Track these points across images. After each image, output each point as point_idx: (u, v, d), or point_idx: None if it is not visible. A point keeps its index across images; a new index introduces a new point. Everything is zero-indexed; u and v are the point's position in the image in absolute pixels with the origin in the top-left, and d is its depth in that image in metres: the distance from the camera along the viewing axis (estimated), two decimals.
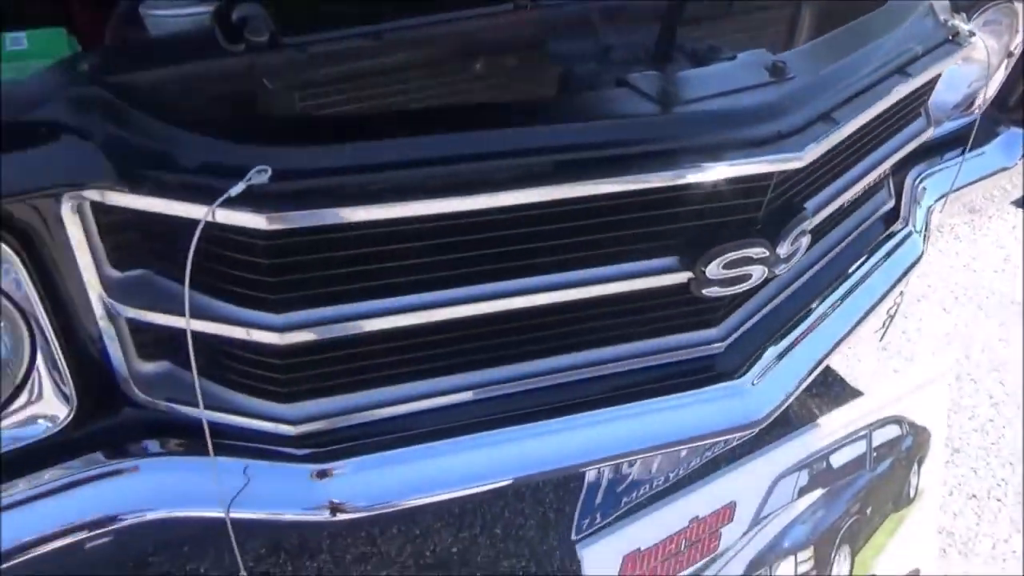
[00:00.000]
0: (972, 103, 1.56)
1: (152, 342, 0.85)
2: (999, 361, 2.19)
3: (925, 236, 1.39)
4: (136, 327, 0.82)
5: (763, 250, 0.90)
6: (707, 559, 0.90)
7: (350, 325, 0.79)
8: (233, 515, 0.83)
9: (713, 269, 0.89)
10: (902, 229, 1.34)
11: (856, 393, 1.74)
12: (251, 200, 0.68)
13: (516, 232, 0.80)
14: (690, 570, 0.89)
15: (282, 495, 0.85)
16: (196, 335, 0.80)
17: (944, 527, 1.75)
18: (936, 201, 1.49)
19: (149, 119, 0.71)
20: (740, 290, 0.93)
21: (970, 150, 1.57)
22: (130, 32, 0.87)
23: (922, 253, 1.35)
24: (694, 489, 0.88)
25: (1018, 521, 1.77)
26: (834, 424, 0.98)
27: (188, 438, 0.87)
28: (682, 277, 0.90)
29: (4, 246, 0.67)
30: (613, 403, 0.97)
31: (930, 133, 1.27)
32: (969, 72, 1.52)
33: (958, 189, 1.53)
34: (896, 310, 1.59)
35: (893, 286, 1.28)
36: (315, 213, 0.69)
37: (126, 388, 0.85)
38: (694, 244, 0.88)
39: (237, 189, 0.67)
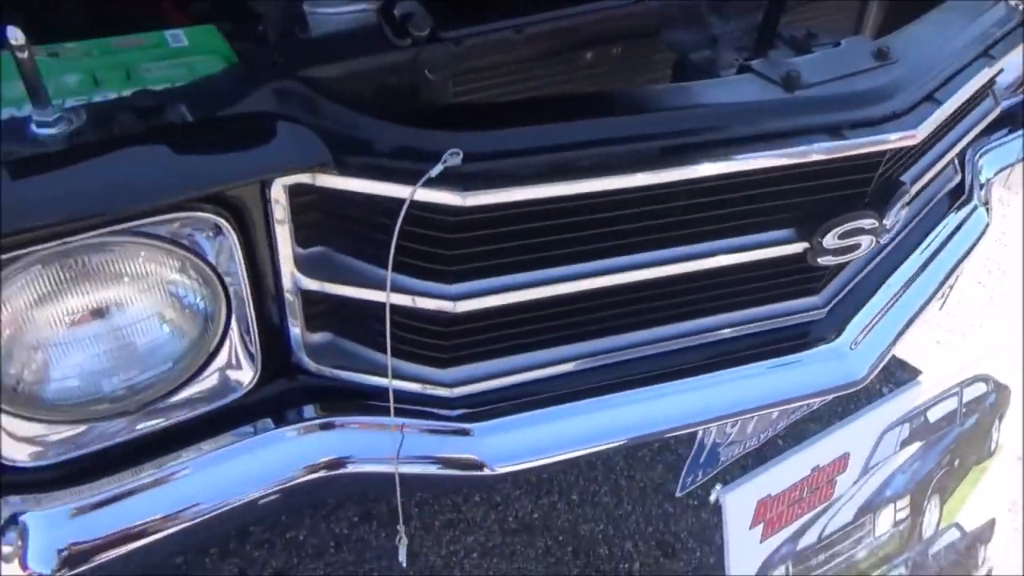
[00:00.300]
0: (1022, 84, 1.63)
1: (318, 314, 0.93)
2: None
3: (988, 209, 1.47)
4: (308, 300, 0.90)
5: (873, 221, 0.98)
6: (823, 505, 0.99)
7: (513, 295, 0.86)
8: (400, 470, 0.91)
9: (829, 240, 0.97)
10: (969, 202, 1.42)
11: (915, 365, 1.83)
12: (445, 180, 0.75)
13: (659, 208, 0.88)
14: (809, 515, 0.98)
15: (442, 452, 0.93)
16: (363, 305, 0.88)
17: None
18: (994, 175, 1.57)
19: (344, 109, 0.78)
20: (850, 259, 1.01)
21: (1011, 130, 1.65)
22: (289, 29, 0.95)
23: (987, 224, 1.43)
24: (815, 441, 0.97)
25: None
26: (931, 382, 1.07)
27: (350, 401, 0.96)
28: (799, 247, 0.98)
29: (224, 222, 0.75)
30: (728, 366, 1.05)
31: (997, 112, 1.34)
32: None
33: (1014, 164, 1.61)
34: (956, 280, 1.67)
35: (964, 256, 1.36)
36: (504, 191, 0.76)
37: (298, 356, 0.93)
38: (812, 216, 0.96)
39: (436, 170, 0.74)
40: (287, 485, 0.90)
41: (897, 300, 1.18)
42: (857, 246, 0.99)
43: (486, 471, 0.94)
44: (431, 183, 0.75)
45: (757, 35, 1.09)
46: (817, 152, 0.89)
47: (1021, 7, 1.25)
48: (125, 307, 0.76)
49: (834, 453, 0.97)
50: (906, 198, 1.04)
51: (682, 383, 1.03)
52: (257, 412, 0.92)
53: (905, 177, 1.08)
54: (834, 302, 1.12)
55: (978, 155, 1.54)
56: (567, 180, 0.79)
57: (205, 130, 0.73)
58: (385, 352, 0.94)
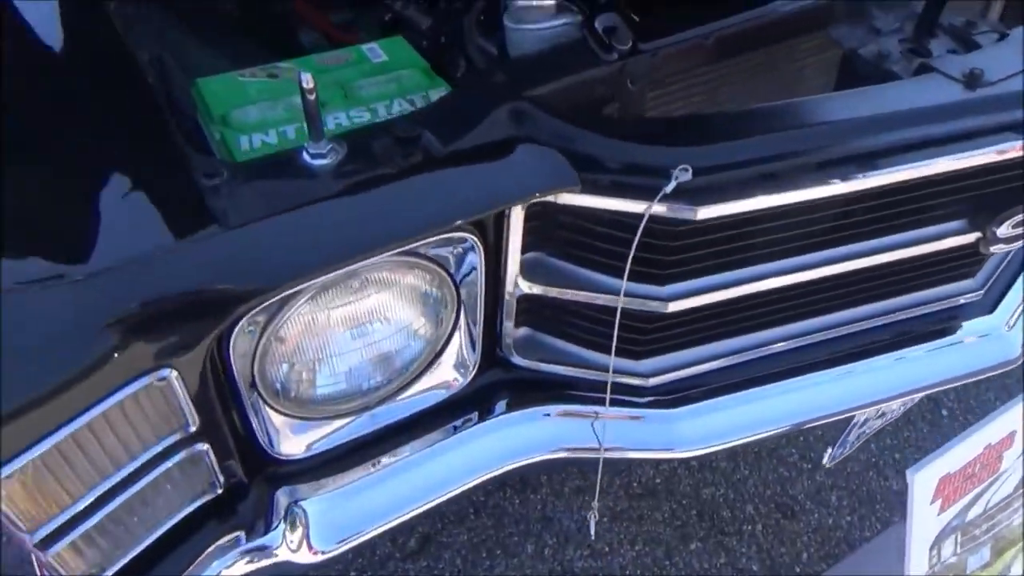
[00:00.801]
0: None
1: (520, 312, 1.00)
2: None
3: None
4: (518, 300, 0.97)
5: None
6: (991, 479, 1.05)
7: (718, 294, 0.93)
8: (605, 455, 1.00)
9: (1003, 229, 1.02)
10: None
11: None
12: (675, 194, 0.81)
13: (853, 208, 0.94)
14: (978, 489, 1.04)
15: (643, 437, 1.01)
16: (563, 302, 0.96)
17: None
18: None
19: (576, 128, 0.84)
20: (1017, 246, 1.06)
21: None
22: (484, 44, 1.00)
23: None
24: (989, 421, 1.03)
25: None
26: None
27: (549, 391, 1.04)
28: (972, 237, 1.03)
29: (475, 239, 0.82)
30: (891, 350, 1.11)
31: None
32: None
33: None
34: None
35: None
36: (731, 204, 0.83)
37: (505, 352, 1.01)
38: (988, 208, 1.01)
39: (671, 187, 0.81)
40: (507, 469, 0.99)
41: None
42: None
43: (678, 453, 1.02)
44: (663, 197, 0.81)
45: (917, 25, 1.12)
46: (1005, 151, 0.93)
47: None
48: (388, 317, 0.84)
49: (1004, 431, 1.03)
50: None
51: (847, 368, 1.09)
52: (473, 403, 1.01)
53: None
54: (988, 283, 1.17)
55: None
56: (782, 190, 0.85)
57: (465, 160, 0.79)
58: (582, 345, 1.03)
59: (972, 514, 1.05)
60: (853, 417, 1.20)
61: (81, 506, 0.70)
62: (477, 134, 0.83)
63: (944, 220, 1.03)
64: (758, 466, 1.83)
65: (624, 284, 0.86)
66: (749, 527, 1.72)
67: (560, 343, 1.03)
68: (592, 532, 1.10)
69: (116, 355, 0.63)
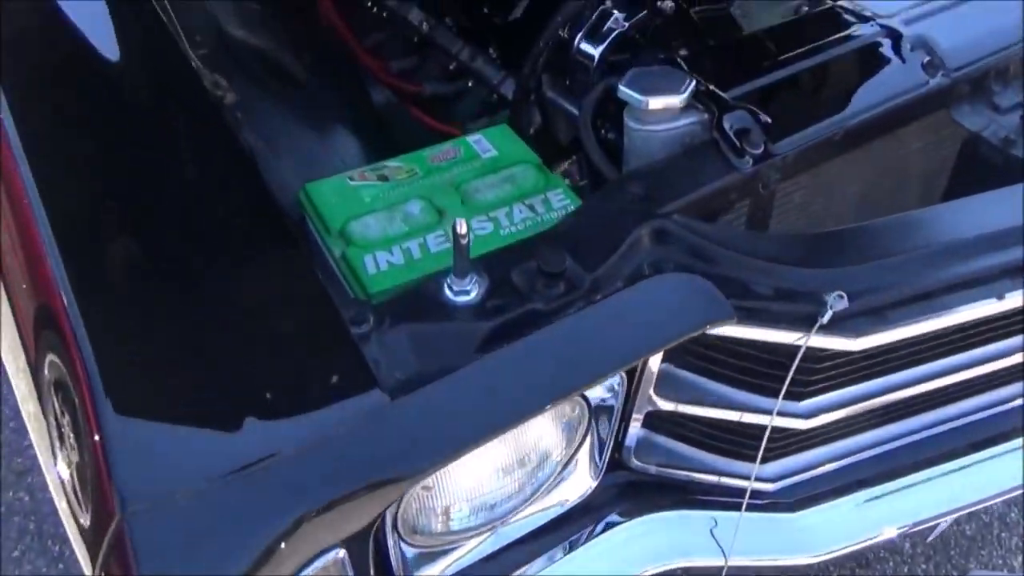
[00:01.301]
0: None
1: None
2: None
3: None
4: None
5: None
6: None
7: (861, 405, 0.90)
8: (731, 563, 0.97)
9: None
10: None
11: None
12: (832, 323, 0.78)
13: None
14: None
15: (770, 542, 0.99)
16: (692, 415, 0.93)
17: None
18: None
19: (717, 247, 0.81)
20: None
21: None
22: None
23: None
24: None
25: None
26: None
27: (669, 496, 1.01)
28: None
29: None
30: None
31: None
32: None
33: None
34: None
35: None
36: (890, 331, 0.79)
37: (627, 456, 0.98)
38: None
39: (827, 317, 0.77)
40: None
41: None
42: None
43: (808, 558, 0.99)
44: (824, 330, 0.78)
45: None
46: None
47: None
48: (534, 454, 0.82)
49: None
50: None
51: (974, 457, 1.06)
52: (590, 511, 0.98)
53: None
54: None
55: None
56: (941, 312, 0.81)
57: (615, 294, 0.76)
58: (702, 448, 1.00)
59: None
60: None
61: None
62: (621, 260, 0.79)
63: None
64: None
65: (778, 405, 0.83)
66: None
67: (679, 446, 1.00)
68: None
69: (283, 545, 0.60)
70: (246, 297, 0.78)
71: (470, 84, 1.46)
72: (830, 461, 1.01)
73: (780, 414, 0.89)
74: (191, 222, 0.84)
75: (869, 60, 1.02)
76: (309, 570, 0.62)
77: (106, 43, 0.90)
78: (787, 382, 0.79)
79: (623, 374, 0.81)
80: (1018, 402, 1.10)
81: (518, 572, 0.93)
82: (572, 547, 0.96)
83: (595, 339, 0.74)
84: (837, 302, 0.78)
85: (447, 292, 0.76)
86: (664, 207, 0.85)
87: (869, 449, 1.03)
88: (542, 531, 0.96)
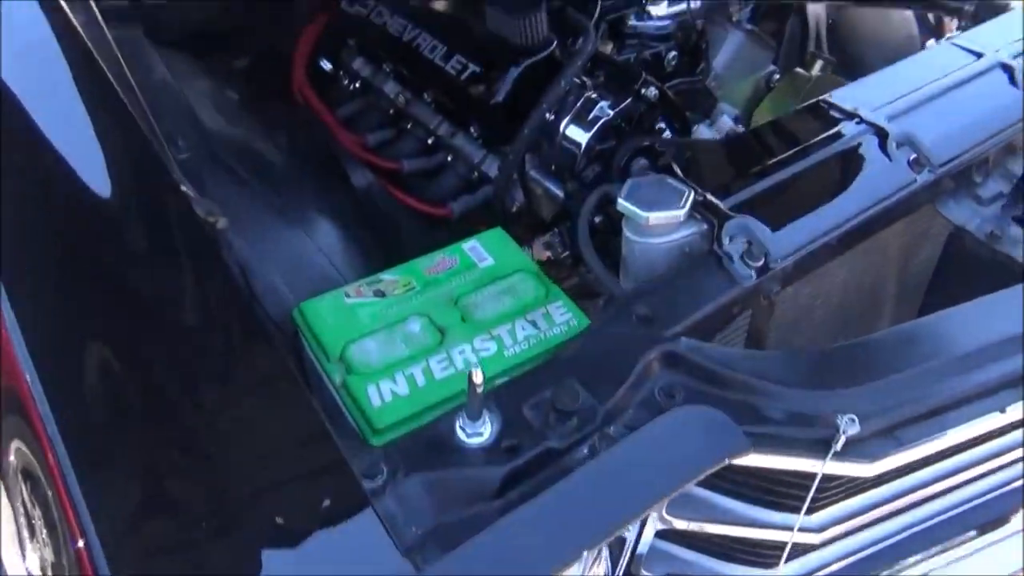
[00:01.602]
0: None
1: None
2: None
3: None
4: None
5: None
6: None
7: (869, 515, 0.90)
8: None
9: None
10: None
11: None
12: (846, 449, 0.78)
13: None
14: None
15: None
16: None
17: None
18: None
19: (726, 370, 0.80)
20: None
21: None
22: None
23: None
24: None
25: None
26: None
27: None
28: None
29: None
30: None
31: None
32: None
33: None
34: None
35: None
36: (903, 453, 0.79)
37: (636, 567, 0.97)
38: None
39: (839, 444, 0.77)
40: None
41: None
42: None
43: None
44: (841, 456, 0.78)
45: (1017, 188, 1.11)
46: None
47: None
48: None
49: None
50: None
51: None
52: None
53: None
54: None
55: None
56: (950, 427, 0.82)
57: (629, 430, 0.75)
58: (710, 555, 0.99)
59: None
60: None
61: None
62: (632, 389, 0.78)
63: None
64: None
65: (797, 524, 0.82)
66: None
67: (681, 550, 0.99)
68: None
69: None
70: (244, 437, 0.76)
71: (449, 159, 1.45)
72: (841, 560, 1.02)
73: (802, 529, 0.89)
74: (179, 356, 0.82)
75: (857, 160, 1.03)
76: None
77: (96, 176, 0.87)
78: (804, 509, 0.79)
79: None
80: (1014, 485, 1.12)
81: None
82: None
83: (622, 482, 0.72)
84: (850, 426, 0.78)
85: (460, 435, 0.74)
86: (670, 328, 0.84)
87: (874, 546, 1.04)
88: None
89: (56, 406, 0.78)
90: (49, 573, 0.88)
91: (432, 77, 1.40)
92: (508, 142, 1.29)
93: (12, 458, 0.93)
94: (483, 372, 0.69)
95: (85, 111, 0.98)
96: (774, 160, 1.01)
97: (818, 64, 1.71)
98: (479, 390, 0.70)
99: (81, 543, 0.71)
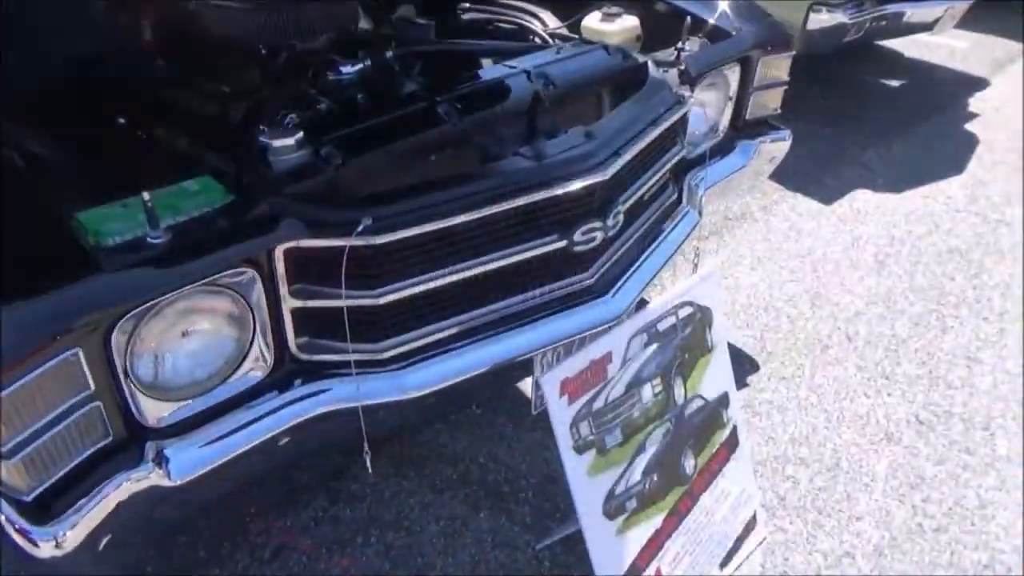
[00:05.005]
0: (715, 129, 2.54)
1: (304, 323, 1.62)
2: (791, 293, 3.20)
3: (700, 211, 2.33)
4: (296, 315, 1.59)
5: (599, 223, 1.78)
6: (602, 383, 1.74)
7: (407, 291, 1.60)
8: (361, 403, 1.60)
9: (578, 236, 1.76)
10: (683, 208, 2.28)
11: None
12: (365, 232, 1.49)
13: (489, 228, 1.65)
14: (594, 390, 1.72)
15: (382, 389, 1.63)
16: (332, 311, 1.59)
17: (764, 399, 2.69)
18: (707, 190, 2.45)
19: (308, 206, 1.51)
20: (592, 246, 1.80)
21: (722, 157, 2.56)
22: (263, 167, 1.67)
23: (698, 222, 2.29)
24: (589, 344, 1.73)
25: (812, 386, 2.73)
26: (654, 307, 1.86)
27: (326, 371, 1.64)
28: (563, 242, 1.76)
29: (255, 272, 1.45)
30: (543, 317, 1.81)
31: (683, 153, 2.21)
32: (708, 113, 2.52)
33: (716, 182, 2.50)
34: (698, 255, 2.52)
35: (684, 240, 2.21)
36: (400, 232, 1.51)
37: (293, 350, 1.62)
38: (566, 224, 1.75)
39: (360, 228, 1.48)
40: (302, 420, 1.57)
41: (638, 270, 1.99)
42: (594, 238, 1.79)
43: (410, 394, 1.64)
44: (359, 235, 1.48)
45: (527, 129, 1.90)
46: (560, 188, 1.68)
47: (677, 91, 2.14)
48: (207, 327, 1.44)
49: (602, 352, 1.73)
50: (620, 208, 1.85)
51: (517, 330, 1.78)
52: (277, 385, 1.60)
53: (621, 197, 1.90)
54: (600, 273, 1.90)
55: (692, 179, 2.42)
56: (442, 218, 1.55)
57: (245, 229, 1.44)
58: (341, 340, 1.65)
59: (596, 406, 1.73)
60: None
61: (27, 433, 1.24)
62: (251, 215, 1.48)
63: (548, 233, 1.76)
64: (530, 454, 2.46)
65: (343, 292, 1.51)
66: (523, 493, 2.33)
67: (326, 341, 1.65)
68: (369, 467, 1.67)
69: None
70: None
71: None
72: (423, 337, 1.70)
73: (362, 297, 1.57)
74: None
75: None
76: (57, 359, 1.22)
77: None
78: (343, 266, 1.48)
79: (257, 277, 1.47)
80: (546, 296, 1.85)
81: (233, 418, 1.53)
82: (260, 406, 1.57)
83: (219, 247, 1.41)
84: (366, 221, 1.49)
85: (148, 238, 1.40)
86: (286, 190, 1.55)
87: (451, 328, 1.73)
88: (243, 396, 1.56)
89: None
90: None
91: None
92: None
93: None
94: (151, 195, 1.37)
95: None
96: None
97: None
98: (149, 204, 1.37)
99: None
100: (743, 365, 2.83)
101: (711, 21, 2.53)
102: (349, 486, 2.35)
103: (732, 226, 3.71)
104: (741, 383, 2.75)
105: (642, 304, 1.94)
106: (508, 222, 1.69)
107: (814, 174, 4.18)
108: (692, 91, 2.26)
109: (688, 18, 2.41)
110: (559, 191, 1.69)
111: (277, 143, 1.62)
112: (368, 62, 2.17)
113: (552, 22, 2.65)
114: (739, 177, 2.62)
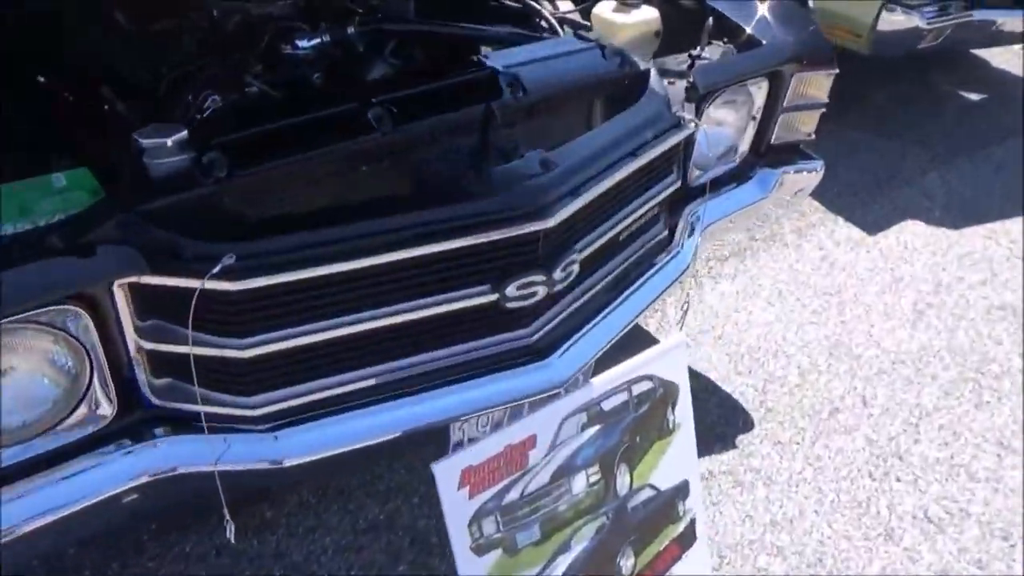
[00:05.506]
0: (732, 152, 2.16)
1: (161, 365, 1.35)
2: (808, 339, 2.83)
3: (695, 254, 1.97)
4: (150, 356, 1.32)
5: (542, 276, 1.45)
6: (520, 472, 1.44)
7: (282, 344, 1.31)
8: (219, 468, 1.33)
9: (511, 290, 1.44)
10: (674, 250, 1.92)
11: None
12: (225, 273, 1.20)
13: (395, 275, 1.34)
14: (508, 480, 1.42)
15: (248, 453, 1.36)
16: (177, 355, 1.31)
17: (752, 467, 2.35)
18: (708, 226, 2.08)
19: (160, 231, 1.22)
20: (530, 303, 1.48)
21: (736, 186, 2.19)
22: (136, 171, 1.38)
23: (689, 265, 1.93)
24: (505, 427, 1.42)
25: (811, 457, 2.38)
26: (601, 382, 1.54)
27: (185, 424, 1.38)
28: (493, 296, 1.45)
29: (81, 310, 1.18)
30: (473, 378, 1.50)
31: (678, 184, 1.85)
32: (725, 133, 2.14)
33: (723, 217, 2.14)
34: (687, 306, 2.17)
35: (665, 290, 1.86)
36: (263, 279, 1.22)
37: (147, 395, 1.35)
38: (498, 276, 1.43)
39: (215, 269, 1.19)
40: (137, 484, 1.31)
41: (597, 326, 1.66)
42: (534, 294, 1.47)
43: (283, 463, 1.37)
44: (214, 276, 1.19)
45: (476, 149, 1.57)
46: (486, 240, 1.36)
47: (678, 113, 1.77)
48: (25, 367, 1.18)
49: (522, 435, 1.42)
50: (575, 257, 1.51)
51: (436, 393, 1.48)
52: (120, 435, 1.34)
53: (581, 243, 1.56)
54: (546, 330, 1.58)
55: (691, 213, 2.06)
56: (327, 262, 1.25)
57: (74, 255, 1.16)
58: (209, 388, 1.38)
59: (508, 499, 1.43)
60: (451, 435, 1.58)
61: None
62: (91, 237, 1.20)
63: (476, 284, 1.45)
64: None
65: (190, 335, 1.23)
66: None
67: (192, 388, 1.38)
68: (231, 536, 1.41)
69: None
70: None
71: None
72: (307, 395, 1.41)
73: (224, 348, 1.29)
74: None
75: None
76: None
77: None
78: (192, 305, 1.20)
79: (87, 315, 1.20)
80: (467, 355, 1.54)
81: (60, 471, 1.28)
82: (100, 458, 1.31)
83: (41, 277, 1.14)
84: (227, 260, 1.20)
85: None
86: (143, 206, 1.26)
87: (338, 387, 1.44)
88: (81, 445, 1.31)
89: None
90: None
91: None
92: None
93: None
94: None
95: None
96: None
97: None
98: None
99: None
100: (735, 421, 2.49)
101: (748, 30, 2.12)
102: (265, 511, 2.12)
103: (757, 249, 3.31)
104: (729, 444, 2.41)
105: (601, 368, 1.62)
106: (422, 270, 1.38)
107: (863, 195, 3.73)
108: (700, 111, 1.89)
109: (710, 19, 2.02)
110: (485, 239, 1.37)
111: (147, 142, 1.32)
112: (327, 37, 1.86)
113: (565, 3, 2.29)
114: (755, 210, 2.25)
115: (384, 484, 2.19)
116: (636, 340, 2.61)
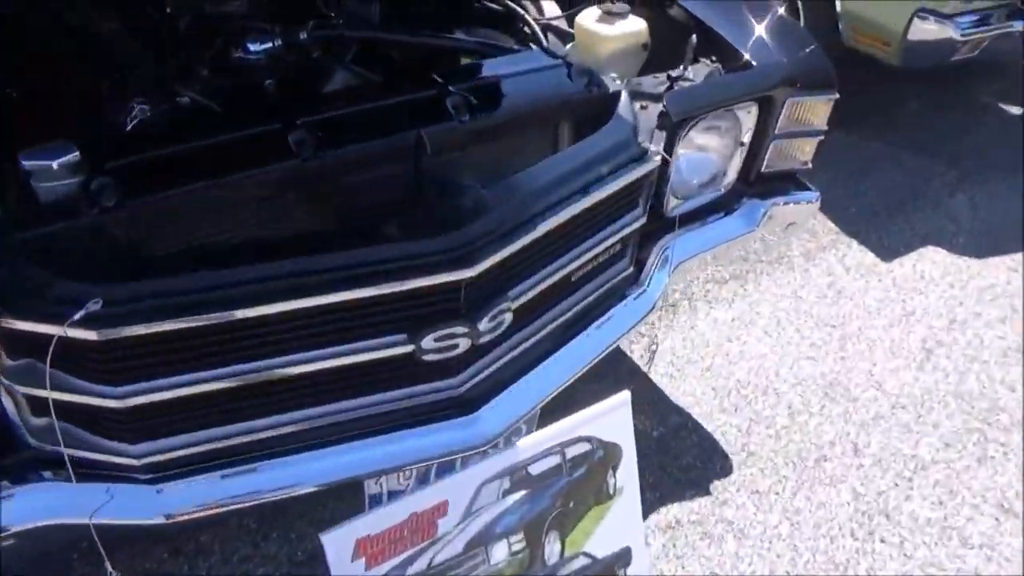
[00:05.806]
0: (717, 180, 1.99)
1: (41, 404, 1.25)
2: (803, 376, 2.65)
3: (662, 295, 1.81)
4: (27, 396, 1.22)
5: (465, 328, 1.31)
6: (428, 541, 1.31)
7: (167, 392, 1.19)
8: (95, 522, 1.23)
9: (428, 342, 1.30)
10: (638, 290, 1.76)
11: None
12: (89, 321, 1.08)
13: (293, 323, 1.22)
14: (414, 550, 1.29)
15: (130, 506, 1.25)
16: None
17: (724, 517, 2.19)
18: (683, 262, 1.91)
19: (31, 267, 1.11)
20: (451, 356, 1.34)
21: (721, 217, 2.01)
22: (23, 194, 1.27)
23: (654, 305, 1.77)
24: (412, 492, 1.29)
25: (789, 510, 2.21)
26: (529, 444, 1.40)
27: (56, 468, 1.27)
28: (409, 348, 1.31)
29: None
30: (388, 431, 1.38)
31: (643, 220, 1.69)
32: (710, 159, 1.96)
33: (703, 251, 1.97)
34: (656, 347, 2.01)
35: (623, 335, 1.71)
36: (129, 329, 1.10)
37: (23, 436, 1.25)
38: (414, 326, 1.30)
39: (76, 316, 1.07)
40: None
41: (533, 378, 1.52)
42: (456, 346, 1.33)
43: (165, 518, 1.26)
44: (77, 323, 1.08)
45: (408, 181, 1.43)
46: (400, 289, 1.23)
47: (643, 143, 1.60)
48: None
49: (431, 502, 1.29)
50: (505, 306, 1.37)
51: (348, 446, 1.35)
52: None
53: (514, 290, 1.41)
54: (473, 383, 1.45)
55: (664, 248, 1.90)
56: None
57: None
58: (92, 432, 1.27)
59: (414, 570, 1.31)
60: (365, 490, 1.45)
61: None
62: None
63: (392, 333, 1.31)
64: None
65: (47, 379, 1.11)
66: None
67: (75, 430, 1.27)
68: None
69: None
70: None
71: None
72: (196, 445, 1.30)
73: (100, 396, 1.18)
74: None
75: None
76: None
77: None
78: (49, 355, 1.08)
79: None
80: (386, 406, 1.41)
81: None
82: None
83: None
84: (93, 305, 1.08)
85: None
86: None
87: (230, 439, 1.32)
88: None
89: None
90: None
91: None
92: None
93: None
94: None
95: None
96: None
97: None
98: None
99: None
100: (712, 464, 2.33)
101: (738, 48, 1.92)
102: (199, 535, 2.03)
103: (761, 272, 3.11)
104: (702, 490, 2.25)
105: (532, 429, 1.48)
106: (327, 317, 1.25)
107: (882, 216, 3.49)
108: (676, 138, 1.72)
109: (694, 36, 1.84)
110: (399, 288, 1.24)
111: (31, 164, 1.21)
112: (279, 42, 1.73)
113: (552, 9, 2.12)
114: (740, 244, 2.07)
115: (328, 512, 2.09)
116: (620, 369, 2.48)
